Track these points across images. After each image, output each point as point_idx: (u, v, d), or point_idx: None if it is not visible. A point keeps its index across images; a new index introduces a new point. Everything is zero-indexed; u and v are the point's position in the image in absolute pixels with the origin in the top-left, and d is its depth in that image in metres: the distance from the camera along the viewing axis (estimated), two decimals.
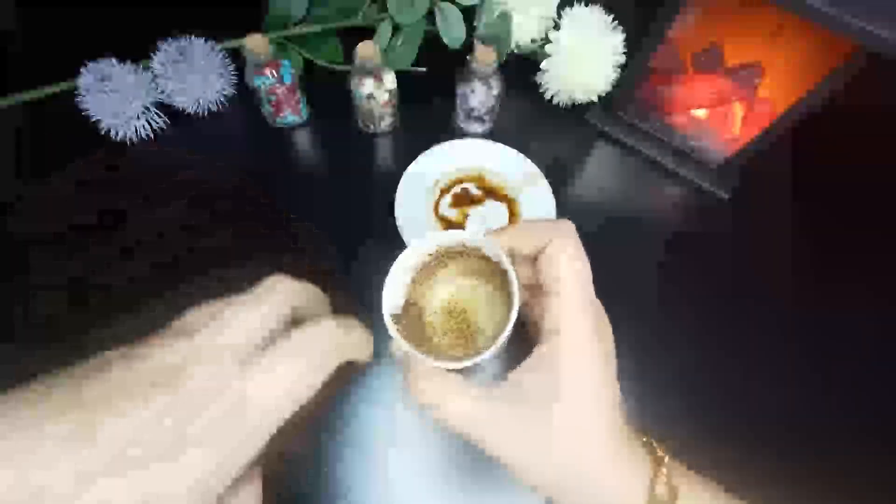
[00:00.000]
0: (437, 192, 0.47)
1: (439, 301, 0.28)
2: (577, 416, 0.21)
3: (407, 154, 0.48)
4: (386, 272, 0.46)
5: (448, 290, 0.28)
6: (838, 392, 0.42)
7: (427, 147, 0.48)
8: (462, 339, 0.27)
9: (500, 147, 0.49)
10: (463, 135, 0.51)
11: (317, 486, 0.35)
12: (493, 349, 0.21)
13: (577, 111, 0.53)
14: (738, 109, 0.49)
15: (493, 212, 0.47)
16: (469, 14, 0.51)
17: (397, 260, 0.24)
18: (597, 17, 0.48)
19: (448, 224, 0.46)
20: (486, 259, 0.25)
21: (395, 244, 0.43)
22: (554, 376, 0.21)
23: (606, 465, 0.21)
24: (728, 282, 0.46)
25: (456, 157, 0.49)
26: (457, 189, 0.48)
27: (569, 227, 0.23)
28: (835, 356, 0.43)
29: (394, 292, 0.24)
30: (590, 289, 0.22)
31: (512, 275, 0.22)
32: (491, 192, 0.48)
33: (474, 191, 0.48)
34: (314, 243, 0.44)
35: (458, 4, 0.50)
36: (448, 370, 0.22)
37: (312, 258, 0.44)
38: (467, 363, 0.22)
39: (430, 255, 0.26)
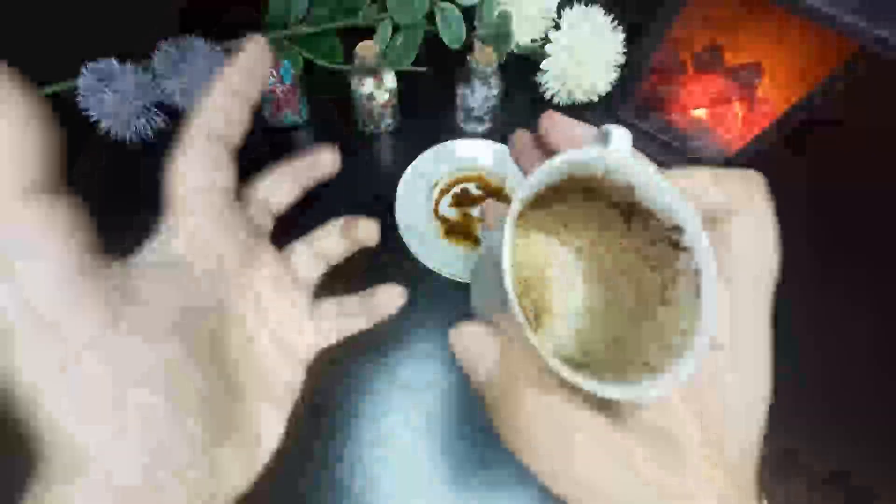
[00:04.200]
0: (437, 192, 0.47)
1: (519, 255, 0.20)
2: (724, 476, 0.14)
3: (407, 154, 0.48)
4: (385, 272, 0.46)
5: (527, 242, 0.20)
6: (839, 393, 0.42)
7: (427, 147, 0.48)
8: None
9: (500, 147, 0.49)
10: (463, 135, 0.51)
11: (316, 487, 0.35)
12: (681, 375, 0.13)
13: (577, 111, 0.53)
14: (738, 109, 0.49)
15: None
16: (469, 14, 0.51)
17: (516, 196, 0.14)
18: (597, 17, 0.48)
19: (448, 224, 0.46)
20: (619, 206, 0.16)
21: (395, 244, 0.43)
22: (714, 420, 0.14)
23: None
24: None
25: (456, 157, 0.49)
26: (457, 189, 0.48)
27: (764, 185, 0.16)
28: (835, 357, 0.43)
29: (510, 251, 0.14)
30: (773, 290, 0.15)
31: (706, 258, 0.14)
32: (491, 192, 0.48)
33: (474, 191, 0.48)
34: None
35: (458, 4, 0.50)
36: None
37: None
38: (648, 394, 0.13)
39: (547, 186, 0.16)
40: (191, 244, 0.16)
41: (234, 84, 0.16)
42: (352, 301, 0.21)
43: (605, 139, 0.15)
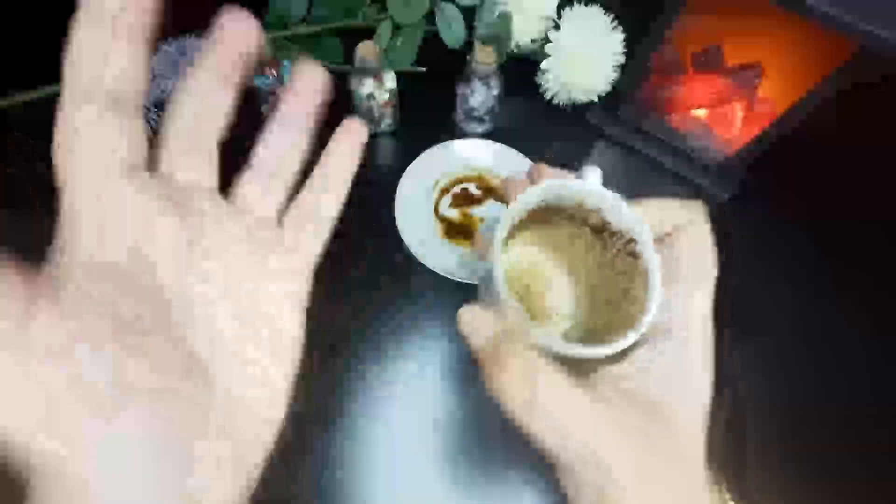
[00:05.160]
0: (438, 192, 0.47)
1: (512, 266, 0.24)
2: (687, 443, 0.18)
3: (407, 154, 0.48)
4: (386, 272, 0.46)
5: (526, 255, 0.24)
6: (839, 392, 0.42)
7: (427, 147, 0.48)
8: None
9: (500, 147, 0.49)
10: (463, 135, 0.51)
11: (316, 487, 0.35)
12: (629, 340, 0.18)
13: (577, 111, 0.53)
14: (738, 109, 0.49)
15: (493, 212, 0.47)
16: (469, 14, 0.51)
17: (507, 212, 0.19)
18: (597, 17, 0.48)
19: (448, 224, 0.46)
20: (593, 227, 0.21)
21: (396, 244, 0.43)
22: (675, 388, 0.18)
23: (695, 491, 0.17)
24: (728, 282, 0.46)
25: (456, 157, 0.49)
26: (457, 189, 0.48)
27: (704, 211, 0.20)
28: (836, 356, 0.43)
29: (499, 248, 0.19)
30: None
31: (651, 257, 0.19)
32: (491, 192, 0.48)
33: (474, 191, 0.48)
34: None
35: (458, 4, 0.50)
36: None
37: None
38: (605, 351, 0.17)
39: (534, 209, 0.21)
40: (99, 237, 0.14)
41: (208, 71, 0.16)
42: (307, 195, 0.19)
43: (582, 177, 0.20)
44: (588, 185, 0.20)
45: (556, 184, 0.20)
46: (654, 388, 0.18)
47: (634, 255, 0.19)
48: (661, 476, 0.17)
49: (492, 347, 0.17)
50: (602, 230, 0.21)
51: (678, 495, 0.17)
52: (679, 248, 0.19)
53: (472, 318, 0.18)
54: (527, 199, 0.19)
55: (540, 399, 0.16)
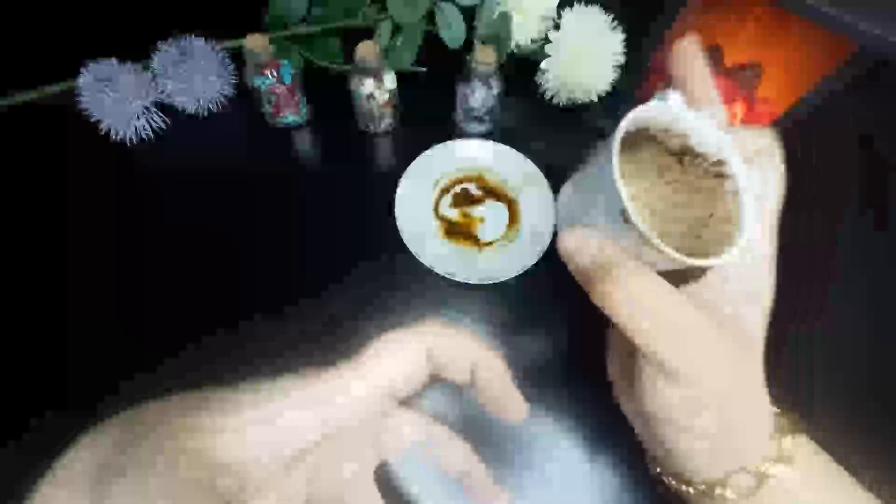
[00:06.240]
0: (437, 192, 0.47)
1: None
2: (752, 344, 0.23)
3: (407, 154, 0.48)
4: (386, 272, 0.46)
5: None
6: (839, 392, 0.41)
7: (427, 147, 0.48)
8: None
9: (500, 147, 0.49)
10: (463, 135, 0.51)
11: None
12: (733, 255, 0.20)
13: (577, 111, 0.53)
14: (738, 109, 0.49)
15: (493, 212, 0.47)
16: (469, 14, 0.51)
17: (615, 134, 0.21)
18: (597, 17, 0.48)
19: (448, 224, 0.46)
20: (671, 150, 0.23)
21: (395, 244, 0.43)
22: (744, 297, 0.22)
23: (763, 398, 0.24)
24: None
25: (456, 157, 0.49)
26: (457, 189, 0.48)
27: (776, 136, 0.24)
28: (837, 356, 0.43)
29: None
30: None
31: (743, 176, 0.21)
32: (491, 192, 0.48)
33: (474, 191, 0.48)
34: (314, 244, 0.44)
35: (458, 4, 0.50)
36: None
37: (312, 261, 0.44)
38: (716, 262, 0.20)
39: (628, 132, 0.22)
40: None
41: None
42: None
43: (665, 100, 0.21)
44: (675, 108, 0.21)
45: (647, 107, 0.21)
46: (728, 297, 0.21)
47: (720, 175, 0.21)
48: (738, 374, 0.21)
49: (598, 266, 0.20)
50: (684, 153, 0.22)
51: (750, 395, 0.23)
52: (760, 171, 0.22)
53: (576, 240, 0.21)
54: (631, 118, 0.20)
55: (657, 309, 0.19)
